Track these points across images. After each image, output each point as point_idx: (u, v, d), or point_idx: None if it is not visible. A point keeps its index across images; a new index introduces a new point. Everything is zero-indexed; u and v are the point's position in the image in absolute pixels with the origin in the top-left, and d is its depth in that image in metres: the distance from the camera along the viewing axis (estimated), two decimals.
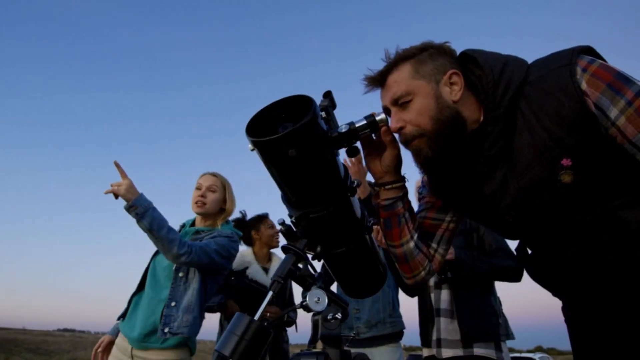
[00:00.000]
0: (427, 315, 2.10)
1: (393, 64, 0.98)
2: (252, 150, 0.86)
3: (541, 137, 0.86)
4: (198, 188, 2.21)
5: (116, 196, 1.79)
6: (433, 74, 0.95)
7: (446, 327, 2.00)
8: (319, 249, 0.95)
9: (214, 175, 2.28)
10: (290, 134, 0.77)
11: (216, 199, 2.22)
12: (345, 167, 0.96)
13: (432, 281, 2.16)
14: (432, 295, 2.10)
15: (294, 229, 0.95)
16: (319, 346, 1.06)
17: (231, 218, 2.43)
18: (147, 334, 1.91)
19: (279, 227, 0.95)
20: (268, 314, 2.52)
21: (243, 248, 2.92)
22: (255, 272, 2.76)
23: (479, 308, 1.98)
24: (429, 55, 0.97)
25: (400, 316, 2.49)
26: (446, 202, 1.13)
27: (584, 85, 0.83)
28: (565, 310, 1.12)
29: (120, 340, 2.03)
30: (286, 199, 0.94)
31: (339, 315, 0.90)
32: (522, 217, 0.95)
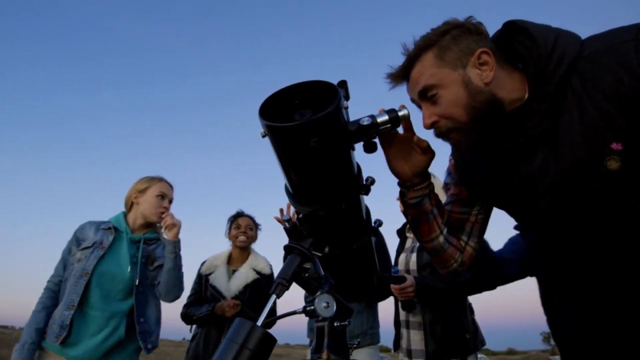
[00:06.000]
0: (399, 323, 2.11)
1: (414, 57, 0.92)
2: (264, 136, 0.77)
3: (591, 116, 0.79)
4: (162, 196, 2.10)
5: (172, 228, 1.96)
6: (459, 58, 0.88)
7: (415, 339, 2.01)
8: (327, 249, 0.87)
9: (172, 186, 2.22)
10: (315, 121, 0.70)
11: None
12: (358, 164, 0.89)
13: None
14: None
15: (299, 227, 0.87)
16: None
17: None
18: (109, 351, 1.85)
19: (284, 225, 0.86)
20: (226, 307, 2.37)
21: (220, 250, 2.78)
22: (216, 276, 2.59)
23: (448, 326, 1.97)
24: (451, 38, 0.89)
25: (378, 327, 2.51)
26: (473, 189, 1.07)
27: None
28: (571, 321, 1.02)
29: None
30: (293, 194, 0.86)
31: (347, 322, 0.84)
32: (556, 203, 0.89)
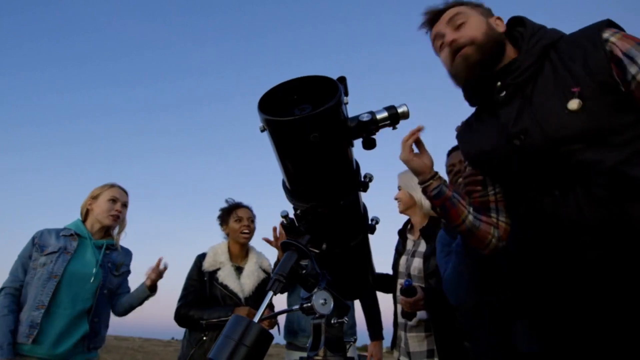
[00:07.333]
0: (397, 322, 2.10)
1: (451, 4, 1.17)
2: (263, 131, 0.76)
3: (562, 75, 1.00)
4: (113, 200, 2.24)
5: (154, 283, 2.20)
6: (482, 12, 1.16)
7: (413, 342, 1.99)
8: (324, 246, 0.87)
9: (126, 191, 2.34)
10: (316, 115, 0.69)
11: (125, 215, 2.32)
12: (356, 161, 0.89)
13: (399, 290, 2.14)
14: (398, 306, 2.08)
15: (297, 224, 0.86)
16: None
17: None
18: (74, 346, 1.98)
19: (281, 220, 0.85)
20: (267, 325, 2.13)
21: (218, 243, 2.49)
22: (226, 275, 2.33)
23: (457, 334, 1.87)
24: (477, 4, 1.19)
25: (355, 326, 2.51)
26: (473, 155, 1.22)
27: (613, 39, 0.96)
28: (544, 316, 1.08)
29: None
30: (291, 190, 0.85)
31: (345, 319, 0.83)
32: (528, 146, 1.02)
